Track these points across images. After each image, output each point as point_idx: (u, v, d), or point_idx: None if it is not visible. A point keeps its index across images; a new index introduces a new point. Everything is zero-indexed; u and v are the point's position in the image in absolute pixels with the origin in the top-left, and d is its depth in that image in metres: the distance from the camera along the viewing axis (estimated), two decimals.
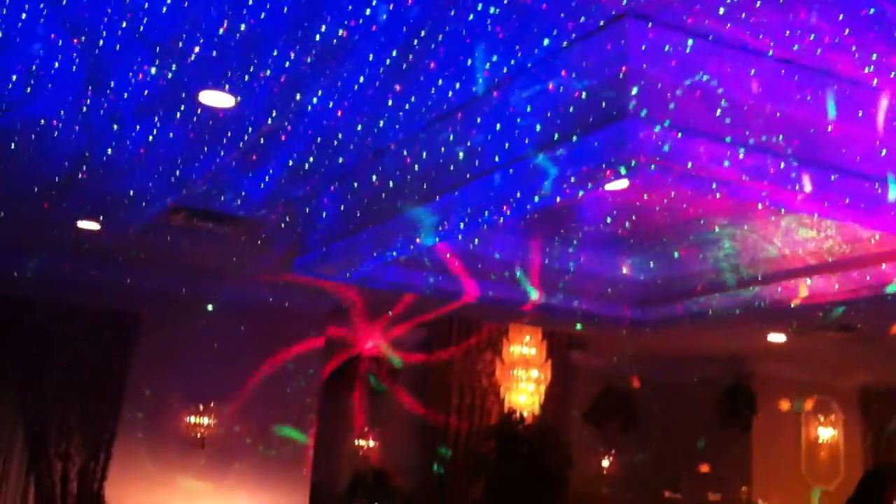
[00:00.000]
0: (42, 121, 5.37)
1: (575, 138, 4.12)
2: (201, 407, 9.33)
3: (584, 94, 4.17)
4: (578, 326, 10.29)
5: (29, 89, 4.95)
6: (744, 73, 4.14)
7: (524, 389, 11.16)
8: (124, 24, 4.21)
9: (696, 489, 11.27)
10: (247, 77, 4.75)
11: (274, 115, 5.15)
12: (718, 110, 4.05)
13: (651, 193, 6.05)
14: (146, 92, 4.93)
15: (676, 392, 12.14)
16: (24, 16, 4.21)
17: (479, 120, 4.87)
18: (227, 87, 4.83)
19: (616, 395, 12.37)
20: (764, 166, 4.14)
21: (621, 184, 5.46)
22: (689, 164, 3.99)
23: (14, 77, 4.84)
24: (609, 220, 6.87)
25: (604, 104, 4.05)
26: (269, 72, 4.60)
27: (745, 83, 4.11)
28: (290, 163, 5.86)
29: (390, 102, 4.95)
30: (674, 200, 6.08)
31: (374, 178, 5.76)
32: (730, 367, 11.50)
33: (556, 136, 4.27)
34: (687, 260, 7.59)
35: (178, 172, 6.17)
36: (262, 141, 5.50)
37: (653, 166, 3.94)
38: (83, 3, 4.04)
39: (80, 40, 4.37)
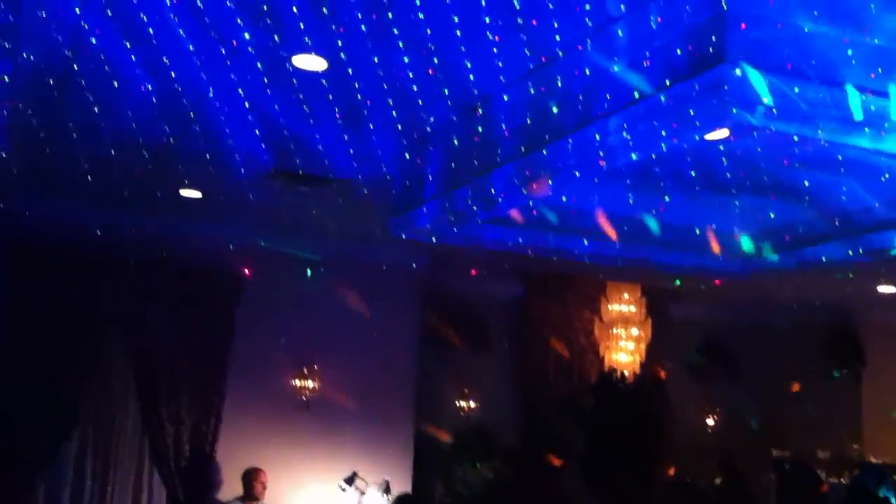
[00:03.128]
0: (142, 86, 5.50)
1: (671, 85, 4.01)
2: (305, 370, 9.51)
3: (680, 40, 4.05)
4: (678, 282, 10.14)
5: (133, 57, 5.08)
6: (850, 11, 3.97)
7: (624, 348, 11.06)
8: None
9: (804, 446, 11.03)
10: (339, 42, 4.79)
11: (365, 75, 5.18)
12: (821, 53, 3.88)
13: (751, 141, 5.87)
14: (242, 57, 5.01)
15: (780, 342, 11.86)
16: None
17: (570, 73, 4.80)
18: (318, 50, 4.87)
19: (718, 347, 12.18)
20: (869, 110, 3.97)
21: (721, 133, 5.32)
22: (791, 110, 3.84)
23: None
24: (707, 170, 6.70)
25: (701, 49, 3.93)
26: (361, 28, 4.60)
27: (853, 21, 3.93)
28: (384, 122, 5.89)
29: (481, 58, 4.92)
30: (774, 148, 5.89)
31: (466, 135, 5.74)
32: (835, 315, 11.18)
33: (652, 84, 4.16)
34: (787, 209, 7.37)
35: (275, 136, 6.28)
36: (357, 98, 5.53)
37: (755, 113, 3.81)
38: None
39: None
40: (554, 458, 10.34)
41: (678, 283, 10.24)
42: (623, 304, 11.17)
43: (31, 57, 4.88)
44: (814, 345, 11.43)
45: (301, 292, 9.41)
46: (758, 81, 3.77)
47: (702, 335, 12.14)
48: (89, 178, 7.40)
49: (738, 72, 3.76)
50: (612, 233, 7.61)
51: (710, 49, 3.86)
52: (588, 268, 9.45)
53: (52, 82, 5.37)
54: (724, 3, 3.81)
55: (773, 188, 6.64)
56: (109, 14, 4.61)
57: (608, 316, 11.11)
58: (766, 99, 3.72)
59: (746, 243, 7.85)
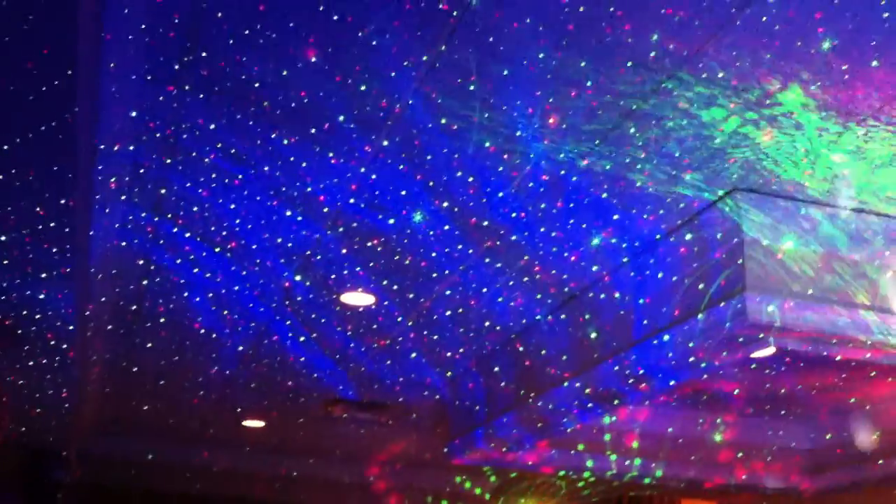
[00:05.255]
0: (204, 327, 5.83)
1: (696, 312, 4.14)
2: None
3: (702, 271, 4.21)
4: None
5: (196, 299, 5.42)
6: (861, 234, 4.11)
7: None
8: (279, 240, 4.62)
9: None
10: (385, 282, 5.06)
11: (409, 310, 5.42)
12: (838, 275, 4.00)
13: (795, 360, 5.88)
14: (295, 295, 5.31)
15: None
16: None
17: (603, 302, 4.97)
18: (365, 288, 5.15)
19: None
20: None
21: (767, 351, 5.36)
22: (815, 333, 3.92)
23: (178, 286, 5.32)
24: (763, 388, 6.67)
25: (722, 279, 4.08)
26: (405, 265, 4.85)
27: (865, 247, 4.07)
28: (430, 351, 6.09)
29: (519, 290, 5.13)
30: (823, 365, 5.87)
31: (510, 362, 5.88)
32: None
33: (678, 313, 4.30)
34: (842, 425, 7.21)
35: (330, 365, 6.51)
36: (404, 330, 5.76)
37: (775, 338, 3.90)
38: (242, 224, 4.47)
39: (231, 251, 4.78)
40: None
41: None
42: None
43: (102, 300, 5.25)
44: None
45: None
46: (776, 307, 3.88)
47: None
48: (155, 414, 7.69)
49: (757, 300, 3.88)
50: (673, 454, 7.51)
51: (731, 279, 4.01)
52: (658, 486, 9.22)
53: (113, 329, 5.74)
54: (741, 236, 3.98)
55: (825, 405, 6.56)
56: (177, 262, 4.98)
57: None
58: (784, 323, 3.83)
59: (811, 459, 7.65)
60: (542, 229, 4.44)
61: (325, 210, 4.31)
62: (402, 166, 3.91)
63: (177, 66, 3.30)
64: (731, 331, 3.95)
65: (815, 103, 3.36)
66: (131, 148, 3.82)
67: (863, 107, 3.37)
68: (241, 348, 6.18)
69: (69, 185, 3.38)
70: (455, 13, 2.97)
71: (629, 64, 3.19)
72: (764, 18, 2.93)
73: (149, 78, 3.35)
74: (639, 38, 3.05)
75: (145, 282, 5.15)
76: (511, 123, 3.56)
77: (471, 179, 4.00)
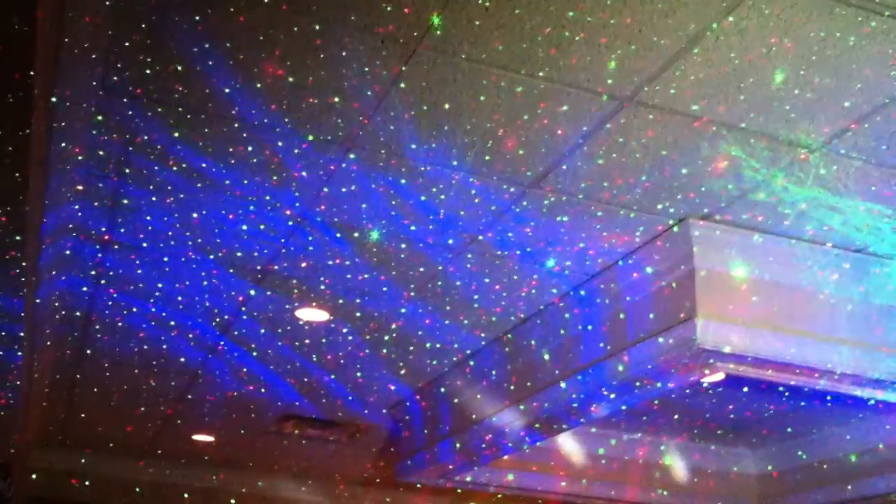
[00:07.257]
0: (156, 339, 5.77)
1: (646, 338, 4.20)
2: None
3: (653, 295, 4.27)
4: None
5: (151, 310, 5.37)
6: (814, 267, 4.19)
7: None
8: (238, 254, 4.60)
9: None
10: (340, 300, 5.06)
11: (364, 327, 5.42)
12: (788, 303, 4.07)
13: (748, 385, 5.97)
14: (250, 310, 5.28)
15: None
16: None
17: (554, 328, 5.01)
18: (320, 304, 5.14)
19: None
20: (848, 360, 4.10)
21: (717, 376, 5.44)
22: (765, 359, 3.99)
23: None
24: (715, 412, 6.75)
25: (673, 305, 4.14)
26: (360, 279, 4.86)
27: (814, 276, 4.15)
28: (386, 370, 6.08)
29: (472, 312, 5.15)
30: (772, 392, 5.98)
31: (463, 382, 5.90)
32: None
33: (629, 337, 4.36)
34: (807, 449, 7.33)
35: (284, 381, 6.47)
36: (358, 347, 5.75)
37: (725, 363, 3.96)
38: (197, 235, 4.44)
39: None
40: None
41: None
42: None
43: (55, 304, 5.20)
44: None
45: None
46: (727, 334, 3.95)
47: None
48: (101, 426, 7.58)
49: (707, 326, 3.95)
50: (627, 477, 7.57)
51: (682, 305, 4.07)
52: None
53: (60, 338, 5.67)
54: (693, 263, 4.05)
55: (773, 432, 6.66)
56: (129, 270, 4.92)
57: None
58: (734, 349, 3.89)
59: (758, 486, 7.75)
60: (497, 252, 4.47)
61: (290, 224, 4.30)
62: (371, 184, 3.92)
63: (139, 75, 3.28)
64: (681, 356, 4.01)
65: (767, 134, 3.44)
66: (95, 152, 3.79)
67: (814, 138, 3.45)
68: (187, 360, 6.12)
69: (22, 186, 3.35)
70: (417, 36, 3.00)
71: (587, 89, 3.24)
72: (718, 50, 3.00)
73: (113, 82, 3.33)
74: (598, 64, 3.10)
75: (95, 289, 5.09)
76: (472, 145, 3.59)
77: (432, 198, 4.02)
